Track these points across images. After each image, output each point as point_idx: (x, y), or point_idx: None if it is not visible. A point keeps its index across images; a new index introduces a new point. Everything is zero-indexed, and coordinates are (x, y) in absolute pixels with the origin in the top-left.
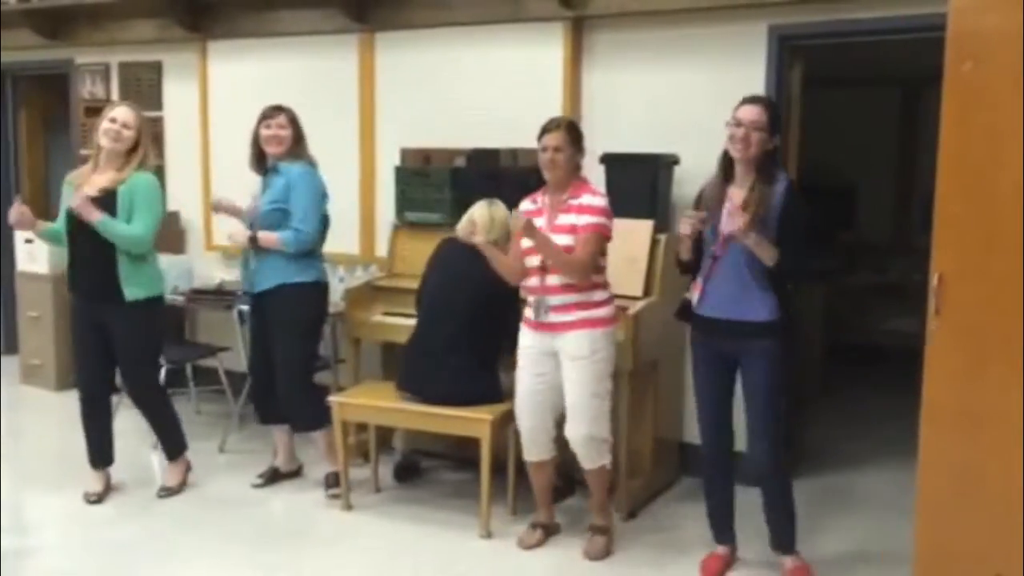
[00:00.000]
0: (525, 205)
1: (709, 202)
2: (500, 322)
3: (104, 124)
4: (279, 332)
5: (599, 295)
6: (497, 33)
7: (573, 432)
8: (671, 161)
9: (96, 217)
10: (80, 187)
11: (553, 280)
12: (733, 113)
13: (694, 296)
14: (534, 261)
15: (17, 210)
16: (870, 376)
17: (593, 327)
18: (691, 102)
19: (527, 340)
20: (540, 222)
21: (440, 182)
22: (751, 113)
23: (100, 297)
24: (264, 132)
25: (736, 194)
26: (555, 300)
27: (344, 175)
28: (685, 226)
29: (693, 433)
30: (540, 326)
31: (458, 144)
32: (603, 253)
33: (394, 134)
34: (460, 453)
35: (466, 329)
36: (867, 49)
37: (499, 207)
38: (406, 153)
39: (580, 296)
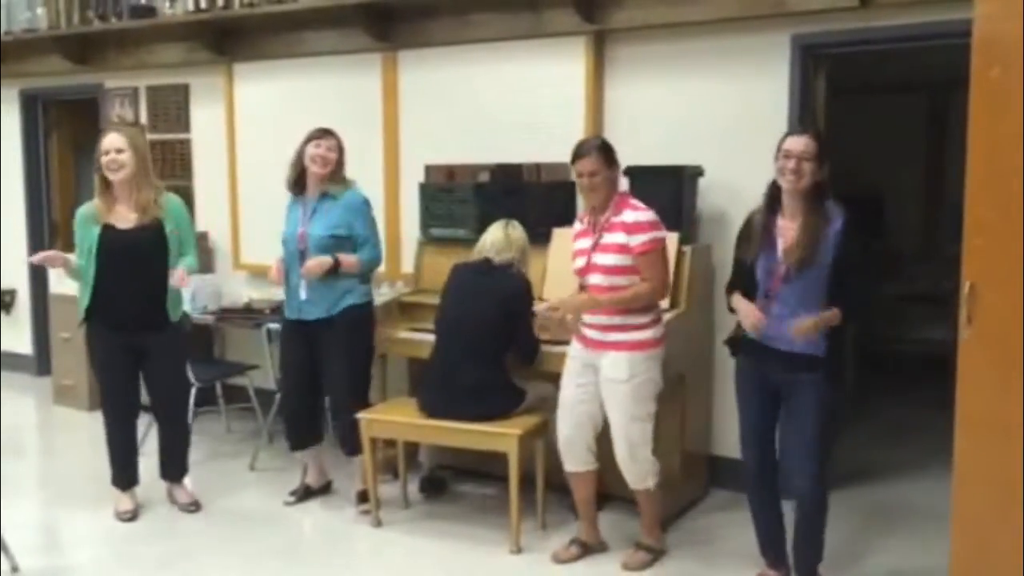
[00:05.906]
0: (575, 227)
1: (758, 236)
2: (512, 332)
3: (102, 160)
4: (346, 355)
5: (643, 317)
6: (519, 49)
7: (616, 452)
8: (695, 173)
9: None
10: (108, 223)
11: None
12: (779, 145)
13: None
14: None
15: (44, 254)
16: (901, 385)
17: (632, 350)
18: (715, 113)
19: (573, 350)
20: (588, 243)
21: (464, 197)
22: (800, 144)
23: (145, 324)
24: (313, 151)
25: (787, 227)
26: (593, 319)
27: (369, 192)
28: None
29: (722, 446)
30: (585, 341)
31: (481, 159)
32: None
33: (418, 151)
34: (486, 468)
35: (482, 345)
36: (892, 56)
37: (515, 227)
38: (430, 169)
39: (621, 319)
